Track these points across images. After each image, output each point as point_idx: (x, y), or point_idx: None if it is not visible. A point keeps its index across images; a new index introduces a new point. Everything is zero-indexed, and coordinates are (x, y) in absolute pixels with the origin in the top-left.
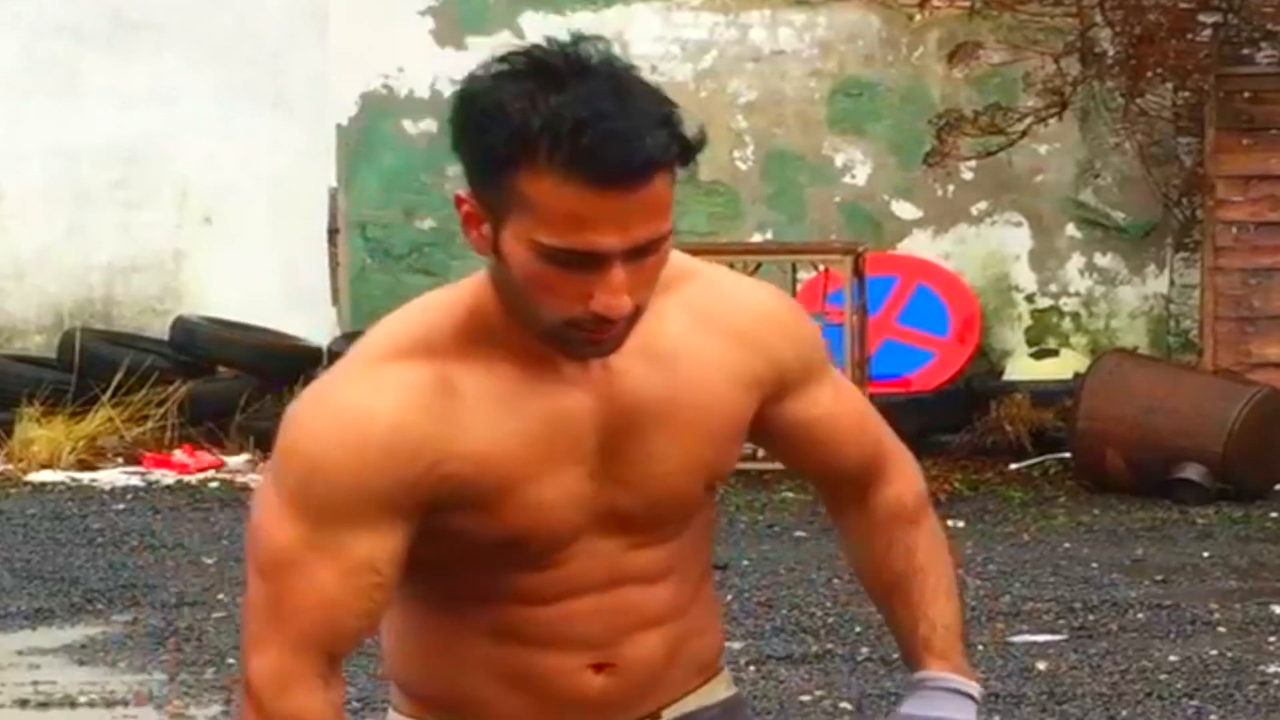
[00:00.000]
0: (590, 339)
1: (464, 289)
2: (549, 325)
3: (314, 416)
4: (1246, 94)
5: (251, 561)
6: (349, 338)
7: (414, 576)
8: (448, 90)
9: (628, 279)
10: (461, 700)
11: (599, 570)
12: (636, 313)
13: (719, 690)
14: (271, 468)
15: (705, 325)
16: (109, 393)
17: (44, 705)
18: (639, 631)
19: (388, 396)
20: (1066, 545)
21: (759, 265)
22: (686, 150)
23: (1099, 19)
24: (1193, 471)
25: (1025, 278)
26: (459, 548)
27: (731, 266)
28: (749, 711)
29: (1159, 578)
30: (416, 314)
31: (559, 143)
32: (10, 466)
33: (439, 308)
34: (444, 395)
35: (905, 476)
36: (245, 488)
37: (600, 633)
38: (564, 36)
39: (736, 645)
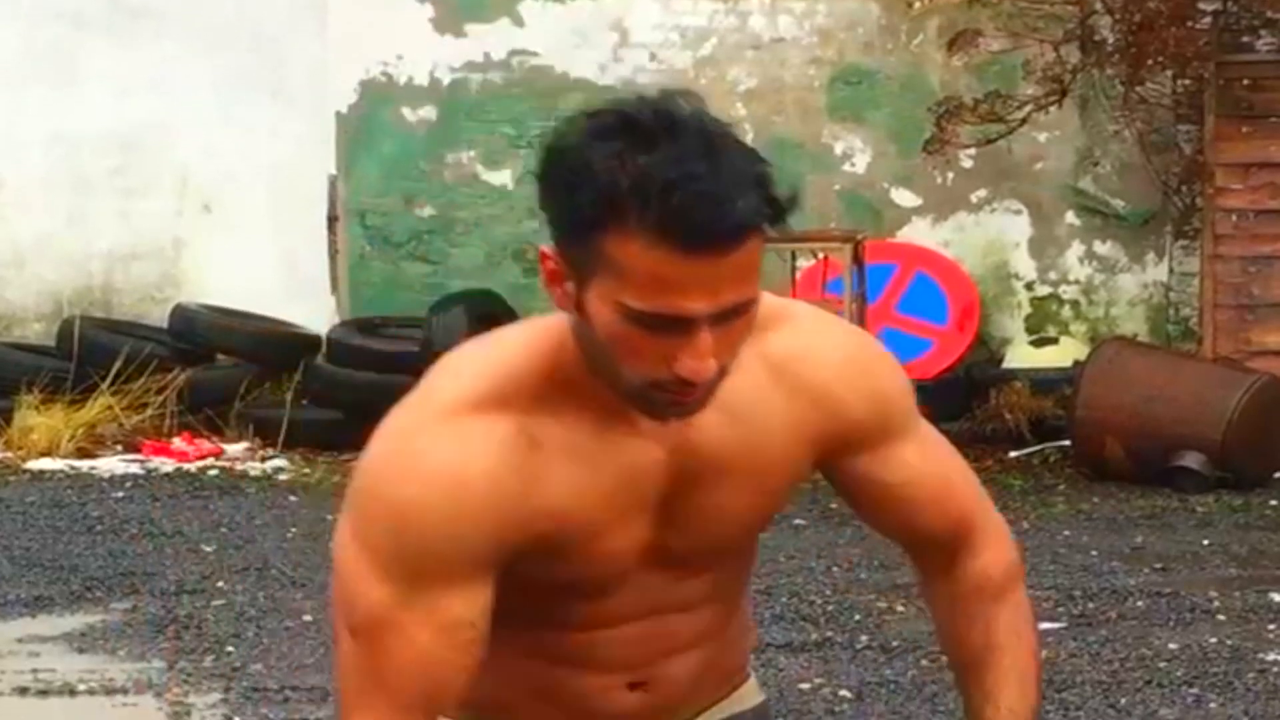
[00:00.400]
0: (673, 401)
1: (543, 334)
2: (632, 386)
3: (401, 473)
4: (1246, 81)
5: (342, 619)
6: (348, 325)
7: None
8: (447, 78)
9: (714, 343)
10: (494, 706)
11: (643, 601)
12: (721, 375)
13: (749, 697)
14: (353, 522)
15: (779, 380)
16: (108, 380)
17: (43, 693)
18: (676, 654)
19: (477, 454)
20: (1066, 533)
21: None
22: (778, 212)
23: (1099, 6)
24: (1192, 459)
25: (1025, 265)
26: (514, 585)
27: None
28: (772, 713)
29: (1158, 565)
30: (495, 359)
31: (648, 205)
32: (9, 454)
33: (519, 353)
34: (528, 450)
35: (994, 548)
36: (244, 475)
37: (638, 656)
38: (653, 92)
39: None
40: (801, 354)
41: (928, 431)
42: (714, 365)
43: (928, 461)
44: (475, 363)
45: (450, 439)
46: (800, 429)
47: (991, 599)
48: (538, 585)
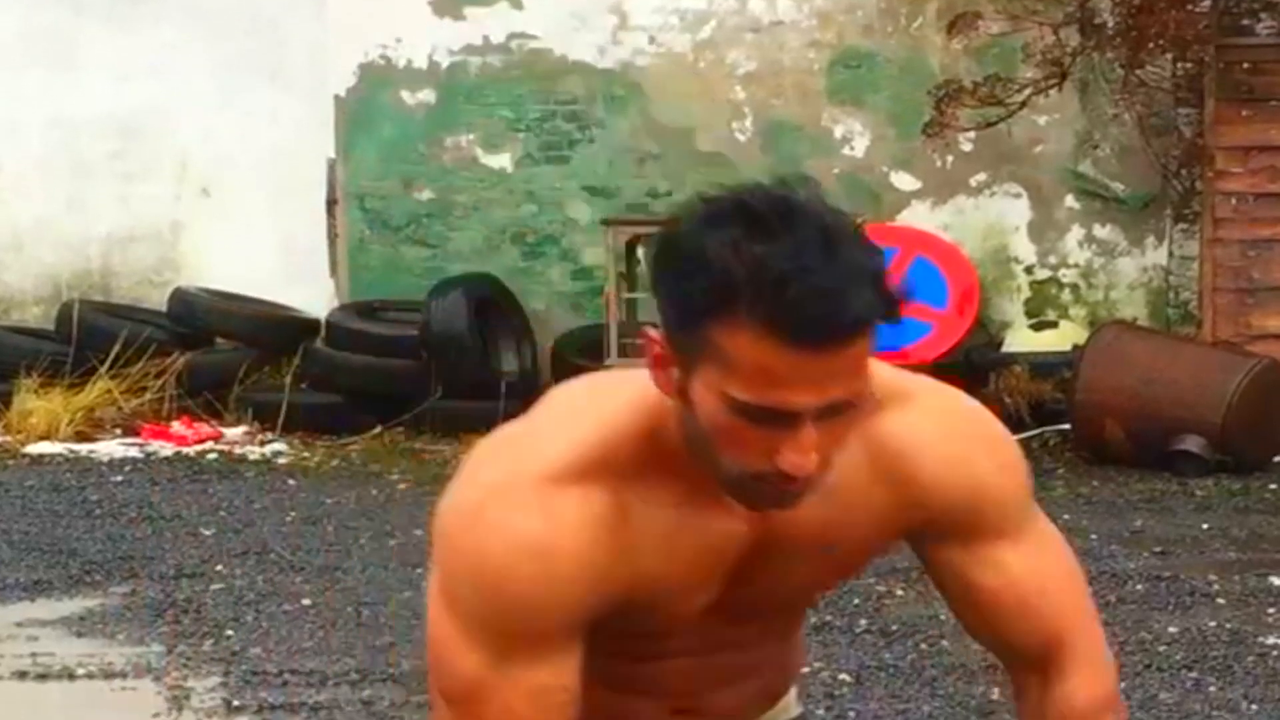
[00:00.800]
0: (773, 493)
1: (644, 410)
2: (731, 475)
3: (491, 545)
4: (1246, 65)
5: (436, 685)
6: (347, 309)
7: None
8: (446, 61)
9: (818, 438)
10: None
11: (700, 642)
12: (823, 469)
13: (789, 709)
14: (442, 580)
15: (878, 467)
16: (107, 364)
17: (42, 677)
18: (727, 685)
19: (570, 530)
20: (1065, 517)
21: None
22: (892, 308)
23: None
24: (1192, 443)
25: (1024, 249)
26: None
27: None
28: None
29: (1158, 549)
30: (602, 419)
31: (761, 297)
32: (8, 438)
33: (623, 415)
34: (618, 524)
35: (1085, 675)
36: (243, 459)
37: (689, 686)
38: (770, 182)
39: None
40: (907, 443)
41: (1040, 535)
42: (816, 460)
43: (1027, 568)
44: (581, 420)
45: (544, 510)
46: (890, 518)
47: None
48: (600, 629)
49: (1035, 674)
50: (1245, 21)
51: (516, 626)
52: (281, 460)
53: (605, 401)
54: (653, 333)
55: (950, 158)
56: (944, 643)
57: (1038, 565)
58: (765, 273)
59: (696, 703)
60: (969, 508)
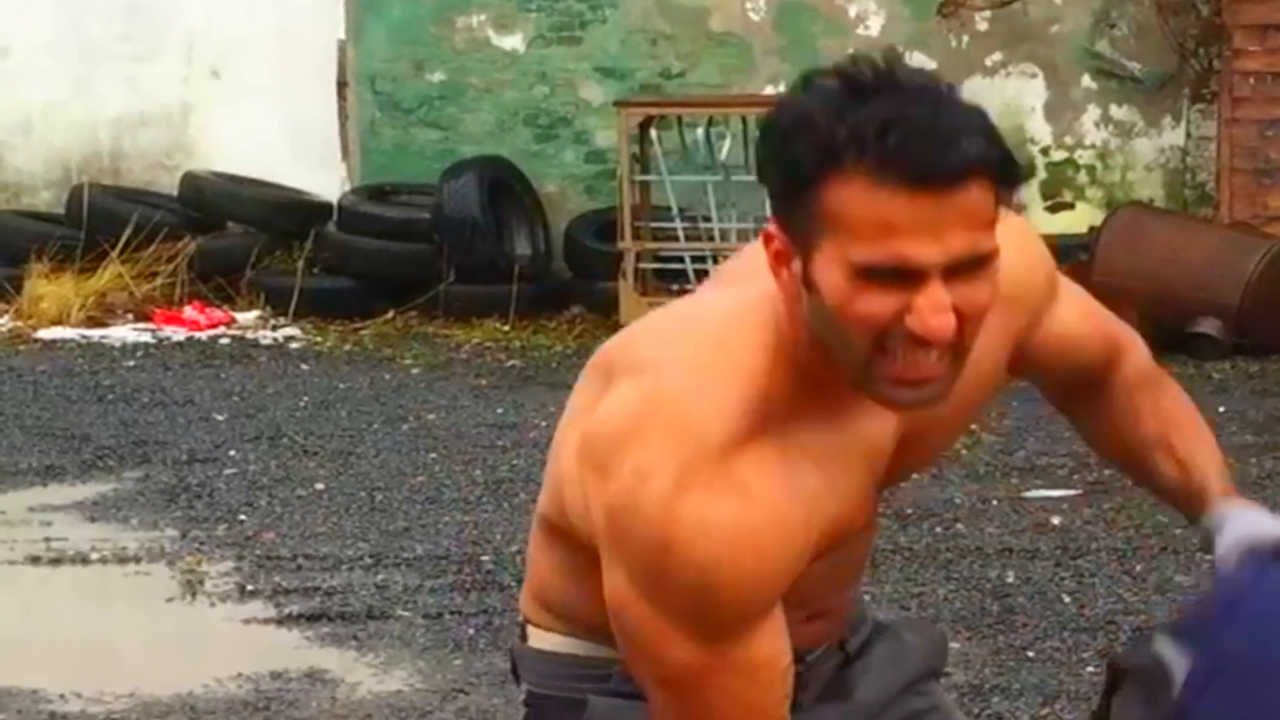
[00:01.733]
0: (909, 379)
1: (771, 345)
2: (864, 363)
3: (690, 541)
4: None
5: (649, 671)
6: (359, 192)
7: None
8: None
9: (951, 300)
10: None
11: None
12: (960, 354)
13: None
14: (637, 579)
15: None
16: (118, 249)
17: (56, 561)
18: (853, 581)
19: (761, 499)
20: None
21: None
22: (1007, 163)
23: None
24: (1209, 326)
25: (1040, 130)
26: None
27: (744, 120)
28: None
29: None
30: (736, 383)
31: (866, 146)
32: (20, 323)
33: (757, 373)
34: (795, 471)
35: (1137, 345)
36: (255, 344)
37: (823, 590)
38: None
39: None
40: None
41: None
42: (950, 321)
43: (1072, 297)
44: (719, 377)
45: (731, 489)
46: (1005, 338)
47: (1155, 385)
48: None
49: (1106, 372)
50: None
51: (729, 612)
52: (294, 345)
53: (730, 350)
54: (771, 230)
55: (965, 37)
56: (959, 526)
57: (1069, 287)
58: (869, 125)
59: (826, 605)
60: (1048, 287)
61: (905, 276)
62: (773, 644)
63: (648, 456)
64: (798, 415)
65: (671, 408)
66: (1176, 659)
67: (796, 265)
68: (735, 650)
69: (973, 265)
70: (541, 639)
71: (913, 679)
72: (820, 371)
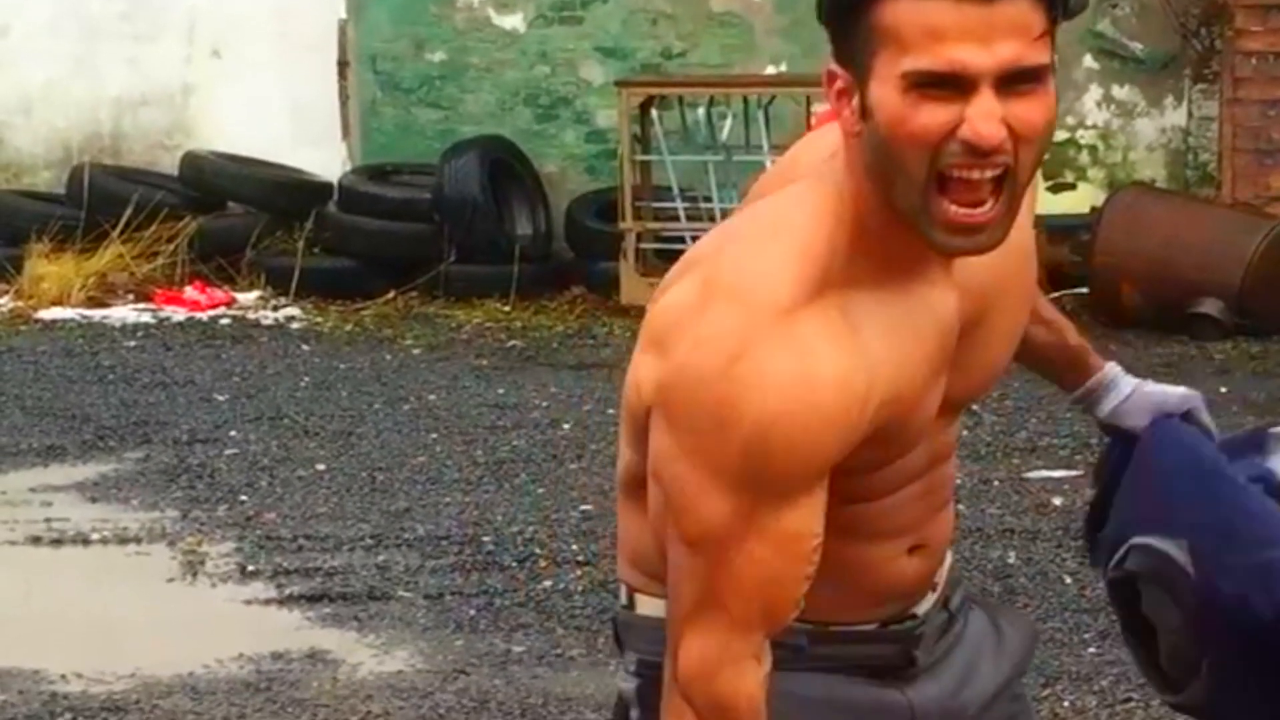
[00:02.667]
0: (963, 223)
1: (831, 211)
2: (921, 202)
3: (750, 396)
4: None
5: (678, 528)
6: (359, 172)
7: None
8: None
9: (1004, 113)
10: None
11: (925, 456)
12: (1014, 192)
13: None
14: (683, 442)
15: None
16: (119, 229)
17: (57, 542)
18: (942, 508)
19: (825, 359)
20: None
21: (772, 98)
22: None
23: None
24: (1210, 306)
25: None
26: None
27: (745, 100)
28: None
29: None
30: (797, 246)
31: None
32: (20, 303)
33: (818, 236)
34: (858, 334)
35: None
36: (256, 324)
37: (918, 516)
38: None
39: None
40: None
41: None
42: (1002, 130)
43: None
44: (780, 241)
45: (792, 344)
46: (1028, 243)
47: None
48: (844, 469)
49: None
50: None
51: (776, 474)
52: (295, 325)
53: (790, 223)
54: (832, 67)
55: None
56: (960, 507)
57: None
58: None
59: (924, 535)
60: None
61: (956, 85)
62: (807, 520)
63: (708, 327)
64: (861, 283)
65: (730, 281)
66: (1173, 548)
67: (856, 102)
68: (770, 516)
69: (1023, 79)
70: (652, 605)
71: (1009, 679)
72: (884, 239)
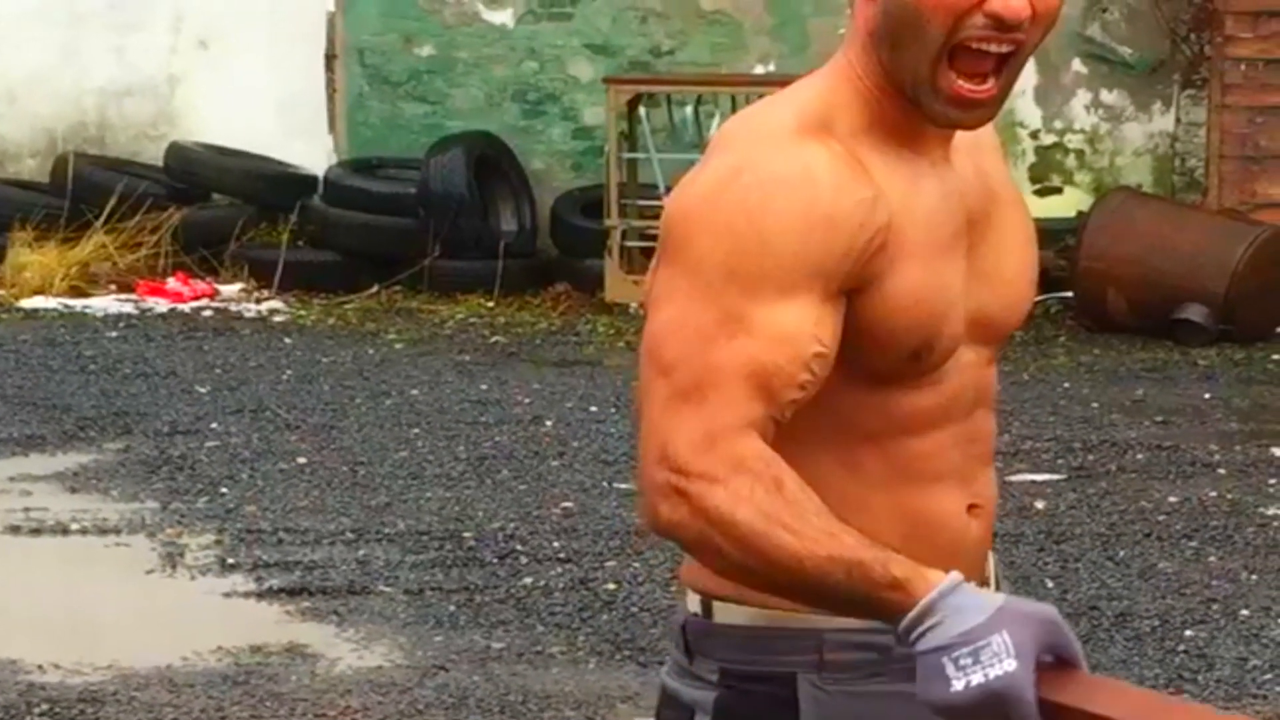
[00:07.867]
0: (966, 98)
1: (845, 84)
2: (929, 74)
3: (749, 193)
4: None
5: (654, 368)
6: (345, 166)
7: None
8: None
9: None
10: None
11: (967, 390)
12: (1011, 71)
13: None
14: (677, 264)
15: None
16: (102, 219)
17: (36, 532)
18: (986, 466)
19: (824, 164)
20: (1066, 385)
21: (760, 97)
22: None
23: None
24: (1195, 312)
25: (1030, 113)
26: (857, 355)
27: (733, 99)
28: None
29: (1159, 419)
30: (810, 98)
31: None
32: (2, 292)
33: (830, 97)
34: (861, 164)
35: None
36: (239, 317)
37: (967, 466)
38: None
39: None
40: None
41: None
42: (1030, 9)
43: None
44: (794, 95)
45: (794, 151)
46: (1016, 194)
47: None
48: (875, 349)
49: None
50: None
51: (770, 261)
52: (277, 318)
53: (799, 87)
54: None
55: None
56: None
57: None
58: None
59: (977, 493)
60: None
61: None
62: (804, 321)
63: (715, 161)
64: (867, 143)
65: (733, 130)
66: None
67: None
68: (765, 313)
69: None
70: (731, 613)
71: None
72: (887, 113)
